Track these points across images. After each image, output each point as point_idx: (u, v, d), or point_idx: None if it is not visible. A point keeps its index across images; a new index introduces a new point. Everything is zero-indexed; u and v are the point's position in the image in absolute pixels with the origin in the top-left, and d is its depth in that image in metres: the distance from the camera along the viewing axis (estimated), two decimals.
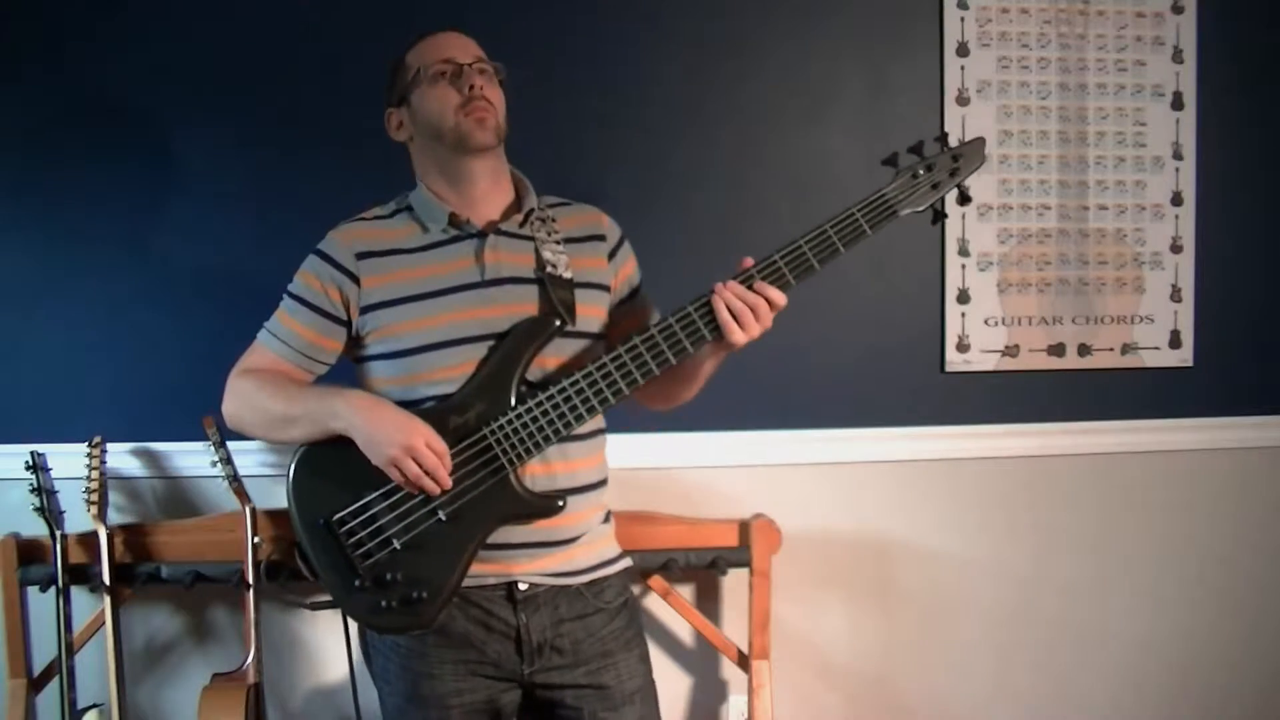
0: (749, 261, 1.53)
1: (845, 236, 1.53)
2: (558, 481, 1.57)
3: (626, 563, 1.71)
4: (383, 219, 1.65)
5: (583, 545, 1.62)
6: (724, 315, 1.50)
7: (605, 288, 1.67)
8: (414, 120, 1.61)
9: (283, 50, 2.21)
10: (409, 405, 1.54)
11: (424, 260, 1.59)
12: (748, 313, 1.49)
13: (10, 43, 2.17)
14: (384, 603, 1.51)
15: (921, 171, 1.57)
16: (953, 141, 1.62)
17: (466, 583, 1.54)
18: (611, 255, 1.70)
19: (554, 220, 1.66)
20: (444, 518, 1.51)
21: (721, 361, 1.61)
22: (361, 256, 1.60)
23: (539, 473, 1.56)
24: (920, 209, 1.58)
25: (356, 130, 2.15)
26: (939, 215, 1.60)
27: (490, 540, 1.53)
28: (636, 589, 2.32)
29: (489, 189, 1.64)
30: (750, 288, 1.50)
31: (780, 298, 1.51)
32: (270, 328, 1.65)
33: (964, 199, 1.62)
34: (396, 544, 1.51)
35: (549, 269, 1.59)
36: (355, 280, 1.59)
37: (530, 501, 1.54)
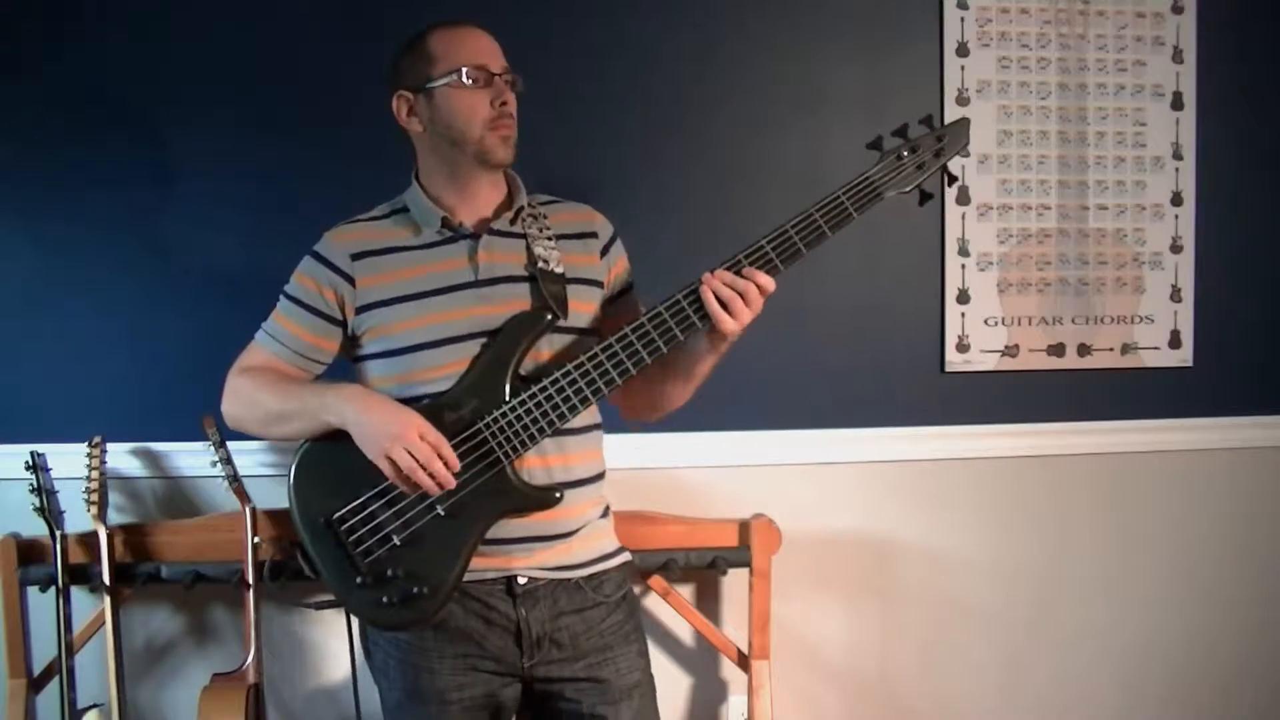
0: None
1: (831, 220, 1.53)
2: (554, 475, 1.58)
3: (625, 557, 1.71)
4: (377, 220, 1.66)
5: (581, 539, 1.62)
6: (713, 305, 1.49)
7: (598, 283, 1.67)
8: (433, 116, 1.59)
9: (283, 49, 2.21)
10: (405, 403, 1.54)
11: (419, 260, 1.60)
12: (736, 299, 1.49)
13: (10, 39, 2.17)
14: (385, 599, 1.52)
15: (906, 153, 1.57)
16: (937, 123, 1.61)
17: (466, 577, 1.54)
18: (604, 252, 1.70)
19: (546, 217, 1.67)
20: (442, 513, 1.51)
21: (717, 361, 1.60)
22: (356, 257, 1.60)
23: (536, 466, 1.56)
24: (906, 190, 1.57)
25: (357, 130, 2.16)
26: (926, 196, 1.59)
27: (489, 535, 1.54)
28: (636, 589, 2.31)
29: (488, 192, 1.65)
30: (739, 273, 1.50)
31: (768, 282, 1.50)
32: (267, 328, 1.66)
33: (950, 179, 1.62)
34: (396, 540, 1.52)
35: (540, 264, 1.60)
36: (350, 281, 1.60)
37: (528, 494, 1.54)
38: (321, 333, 1.62)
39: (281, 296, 1.65)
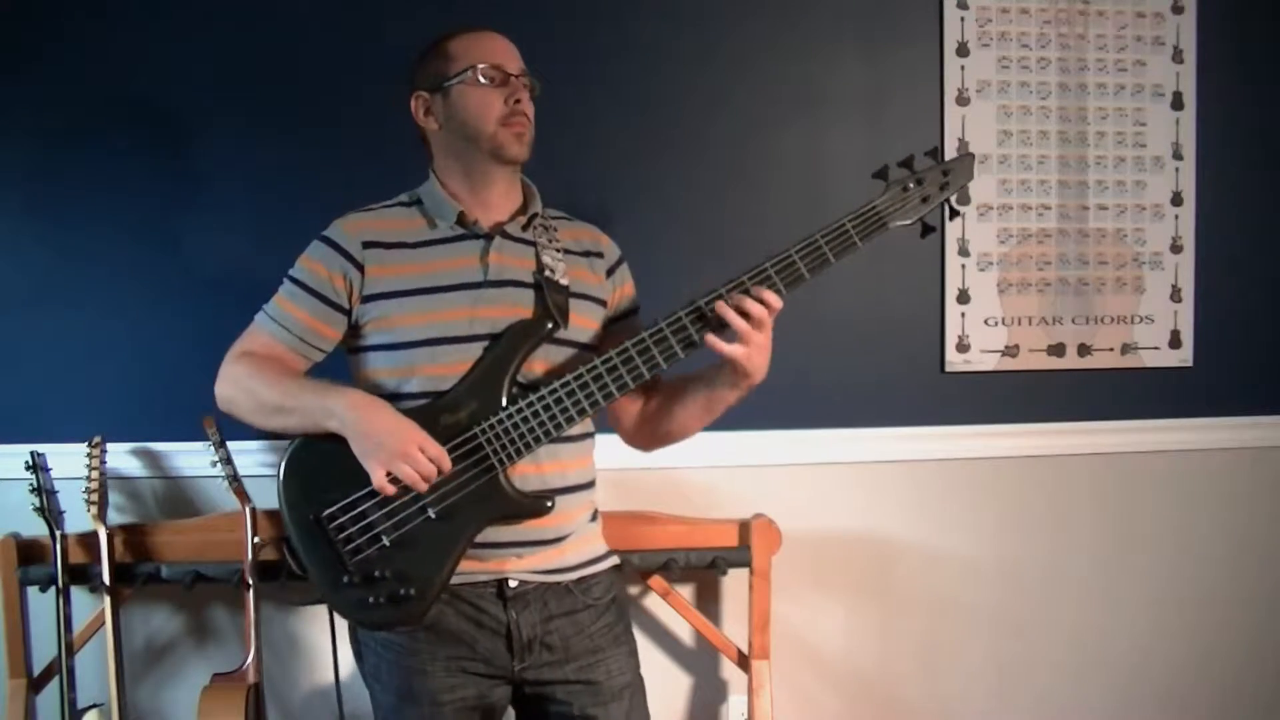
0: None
1: (836, 247, 1.53)
2: (549, 481, 1.58)
3: (614, 561, 1.72)
4: (390, 208, 1.66)
5: (571, 543, 1.63)
6: (735, 319, 1.49)
7: (601, 302, 1.68)
8: (449, 114, 1.60)
9: (288, 52, 2.21)
10: (400, 398, 1.55)
11: (429, 255, 1.60)
12: (739, 320, 1.49)
13: (11, 40, 2.17)
14: (372, 599, 1.52)
15: (911, 185, 1.57)
16: (943, 154, 1.62)
17: (457, 580, 1.54)
18: (610, 273, 1.71)
19: (556, 230, 1.67)
20: (433, 515, 1.51)
21: (739, 398, 1.59)
22: (368, 245, 1.60)
23: (530, 472, 1.56)
24: (909, 222, 1.58)
25: (357, 130, 2.16)
26: (928, 229, 1.60)
27: (480, 539, 1.54)
28: (637, 589, 2.32)
29: (503, 194, 1.65)
30: (745, 294, 1.50)
31: (774, 299, 1.50)
32: (269, 311, 1.64)
33: (953, 213, 1.64)
34: (385, 540, 1.51)
35: (547, 272, 1.60)
36: (360, 268, 1.59)
37: (520, 501, 1.54)
38: (325, 319, 1.61)
39: (286, 280, 1.64)
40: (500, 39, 1.63)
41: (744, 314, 1.49)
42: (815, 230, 1.54)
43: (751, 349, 1.50)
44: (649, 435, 1.73)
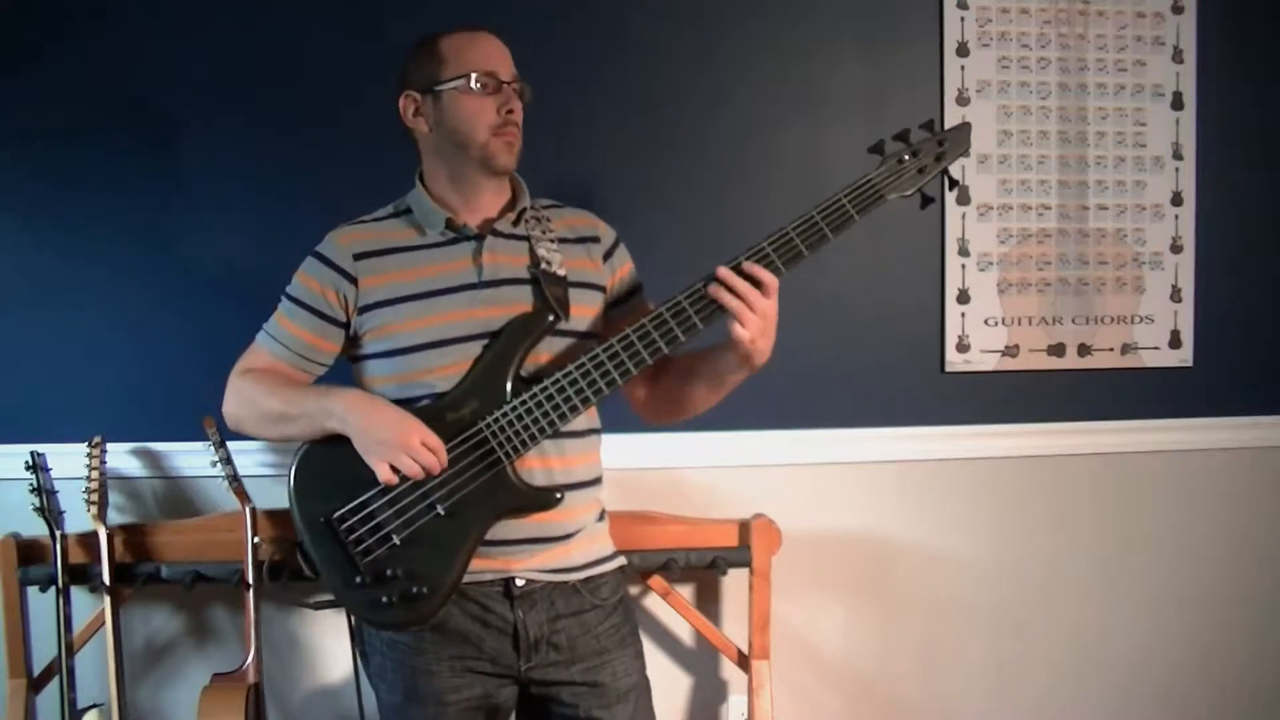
0: None
1: (833, 222, 1.53)
2: (555, 477, 1.58)
3: (621, 561, 1.71)
4: (380, 220, 1.66)
5: (578, 542, 1.63)
6: (727, 298, 1.48)
7: (599, 288, 1.67)
8: (439, 118, 1.59)
9: (288, 52, 2.21)
10: (405, 403, 1.55)
11: (422, 260, 1.60)
12: (735, 302, 1.48)
13: (11, 40, 2.17)
14: (384, 598, 1.52)
15: (907, 157, 1.58)
16: (938, 127, 1.61)
17: (464, 579, 1.54)
18: (606, 257, 1.70)
19: (549, 220, 1.67)
20: (442, 512, 1.51)
21: (748, 374, 1.58)
22: (359, 257, 1.61)
23: (536, 467, 1.57)
24: (907, 193, 1.58)
25: (357, 130, 2.16)
26: (927, 200, 1.60)
27: (489, 536, 1.54)
28: (637, 589, 2.32)
29: (492, 197, 1.65)
30: (740, 271, 1.50)
31: (770, 278, 1.49)
32: (269, 329, 1.66)
33: (951, 183, 1.64)
34: (396, 540, 1.52)
35: (543, 265, 1.60)
36: (353, 281, 1.60)
37: (528, 494, 1.55)
38: (323, 334, 1.62)
39: (283, 297, 1.65)
40: (493, 41, 1.62)
41: (737, 293, 1.48)
42: (811, 206, 1.54)
43: (751, 330, 1.48)
44: (662, 413, 1.73)
